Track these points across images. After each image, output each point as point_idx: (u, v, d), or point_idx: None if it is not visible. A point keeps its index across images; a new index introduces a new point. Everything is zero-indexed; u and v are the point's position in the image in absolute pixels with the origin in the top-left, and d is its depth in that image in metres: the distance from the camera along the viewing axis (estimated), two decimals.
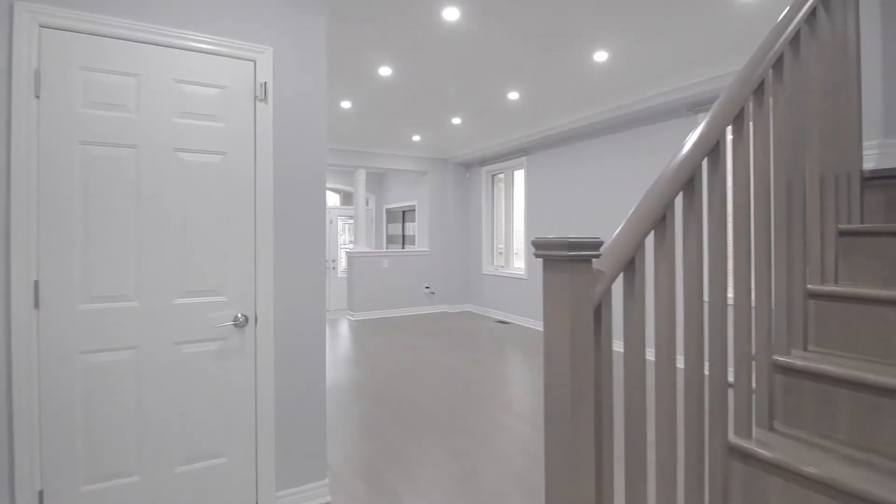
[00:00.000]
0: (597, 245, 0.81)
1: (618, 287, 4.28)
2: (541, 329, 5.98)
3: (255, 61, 1.94)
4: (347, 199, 9.39)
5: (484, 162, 7.08)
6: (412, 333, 5.83)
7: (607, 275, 0.85)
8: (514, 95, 4.43)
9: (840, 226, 1.41)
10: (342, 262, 8.33)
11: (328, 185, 8.57)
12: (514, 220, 6.76)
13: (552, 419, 0.82)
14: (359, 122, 5.50)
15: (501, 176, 6.98)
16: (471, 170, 7.49)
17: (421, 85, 4.13)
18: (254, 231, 1.93)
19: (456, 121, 5.42)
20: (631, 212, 0.97)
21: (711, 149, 1.07)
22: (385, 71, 3.79)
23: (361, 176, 6.93)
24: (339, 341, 5.46)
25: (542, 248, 0.83)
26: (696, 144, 1.05)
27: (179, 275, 1.80)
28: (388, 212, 8.98)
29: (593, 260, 0.84)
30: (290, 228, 2.03)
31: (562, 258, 0.79)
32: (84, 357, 1.66)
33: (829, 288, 1.30)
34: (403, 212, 8.62)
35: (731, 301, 2.94)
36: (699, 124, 3.75)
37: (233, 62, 1.90)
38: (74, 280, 1.64)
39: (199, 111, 1.84)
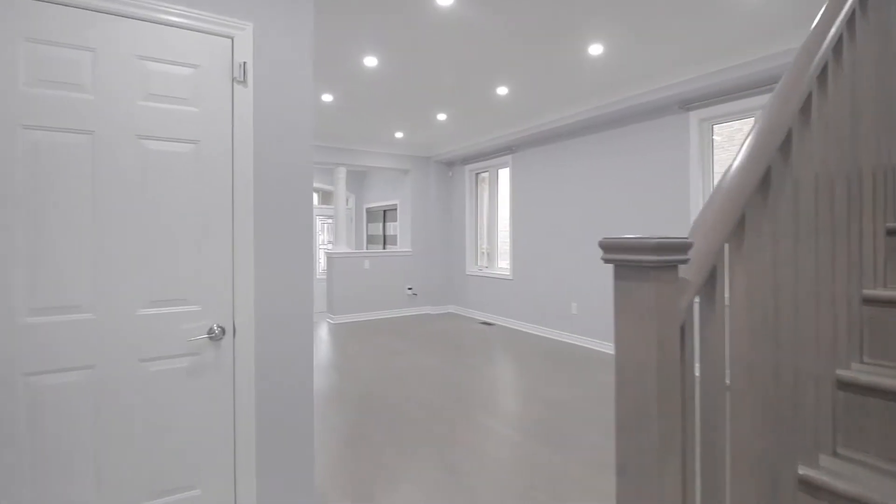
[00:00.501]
0: (686, 247, 0.64)
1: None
2: (526, 330, 5.86)
3: (232, 38, 1.71)
4: (326, 197, 9.09)
5: (467, 160, 6.92)
6: (395, 336, 5.62)
7: (693, 285, 0.68)
8: (503, 90, 4.28)
9: (888, 224, 1.30)
10: (321, 263, 8.03)
11: None
12: (498, 220, 6.63)
13: (630, 471, 0.65)
14: (340, 118, 5.26)
15: (486, 175, 6.84)
16: (454, 168, 7.32)
17: (408, 77, 3.94)
18: (231, 230, 1.71)
19: (441, 117, 5.24)
20: (703, 210, 0.80)
21: (784, 139, 0.92)
22: (370, 61, 3.58)
23: (341, 174, 6.67)
24: (320, 345, 5.20)
25: (615, 251, 0.66)
26: (766, 132, 0.90)
27: (144, 281, 1.57)
28: (369, 211, 8.72)
29: (679, 266, 0.67)
30: (274, 227, 1.81)
31: (645, 264, 0.63)
32: (28, 380, 1.41)
33: (886, 292, 1.17)
34: (384, 211, 8.38)
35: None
36: (690, 122, 3.65)
37: (207, 38, 1.67)
38: (16, 289, 1.39)
39: (167, 93, 1.61)
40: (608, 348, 4.81)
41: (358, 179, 8.87)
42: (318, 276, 7.80)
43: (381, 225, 8.46)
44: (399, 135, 6.18)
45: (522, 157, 5.94)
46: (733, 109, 3.69)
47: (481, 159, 6.60)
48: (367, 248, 8.77)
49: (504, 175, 6.49)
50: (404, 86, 4.17)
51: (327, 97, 4.53)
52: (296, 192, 1.86)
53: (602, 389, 3.65)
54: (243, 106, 1.72)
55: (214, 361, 1.67)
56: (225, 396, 1.69)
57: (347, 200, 8.88)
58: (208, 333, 1.64)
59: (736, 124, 3.83)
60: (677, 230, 4.13)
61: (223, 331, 1.68)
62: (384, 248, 8.37)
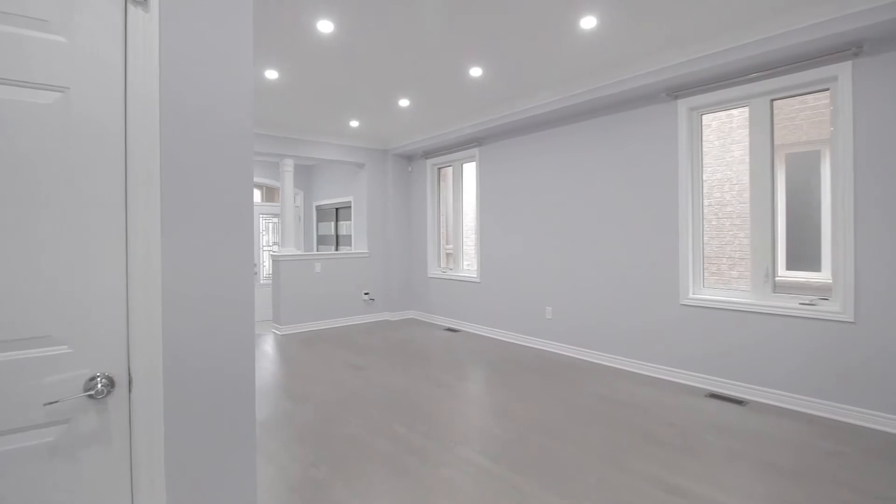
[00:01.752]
0: None
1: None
2: (496, 336, 5.46)
3: None
4: (270, 194, 8.29)
5: (429, 153, 6.42)
6: (352, 348, 5.03)
7: None
8: (476, 72, 3.82)
9: None
10: (265, 267, 7.25)
11: None
12: (463, 219, 6.18)
13: None
14: (288, 100, 4.60)
15: (449, 169, 6.37)
16: (413, 162, 6.80)
17: (371, 49, 3.38)
18: (125, 225, 1.12)
19: (404, 103, 4.71)
20: None
21: None
22: (325, 26, 3.00)
23: (289, 167, 5.96)
24: (264, 362, 4.52)
25: None
26: None
27: None
28: (319, 209, 8.02)
29: None
30: (195, 219, 1.23)
31: None
32: None
33: None
34: (337, 209, 7.72)
35: None
36: (679, 111, 3.33)
37: None
38: None
39: (12, 9, 1.01)
40: (587, 355, 4.49)
41: (306, 174, 8.14)
42: (262, 282, 7.02)
43: (333, 224, 7.78)
44: (355, 123, 5.58)
45: (491, 150, 5.52)
46: (724, 98, 3.44)
47: (445, 152, 6.12)
48: (317, 250, 8.06)
49: (470, 169, 6.05)
50: (365, 61, 3.61)
51: (271, 73, 3.88)
52: (229, 169, 1.29)
53: (584, 402, 3.28)
54: (144, 40, 1.14)
55: (97, 431, 1.08)
56: (115, 484, 1.10)
57: (295, 198, 8.13)
58: (86, 390, 1.05)
59: (723, 115, 3.60)
60: (663, 230, 3.85)
61: (111, 382, 1.09)
62: (337, 250, 7.71)
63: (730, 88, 3.40)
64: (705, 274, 3.76)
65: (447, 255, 6.50)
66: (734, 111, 4.12)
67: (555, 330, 4.81)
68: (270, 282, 6.33)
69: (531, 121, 4.77)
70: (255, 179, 7.54)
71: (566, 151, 4.64)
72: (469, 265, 6.17)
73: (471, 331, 5.85)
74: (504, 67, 3.73)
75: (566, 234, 4.68)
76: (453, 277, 6.12)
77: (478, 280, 5.73)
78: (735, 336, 3.44)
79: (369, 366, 4.34)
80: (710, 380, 3.56)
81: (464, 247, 6.20)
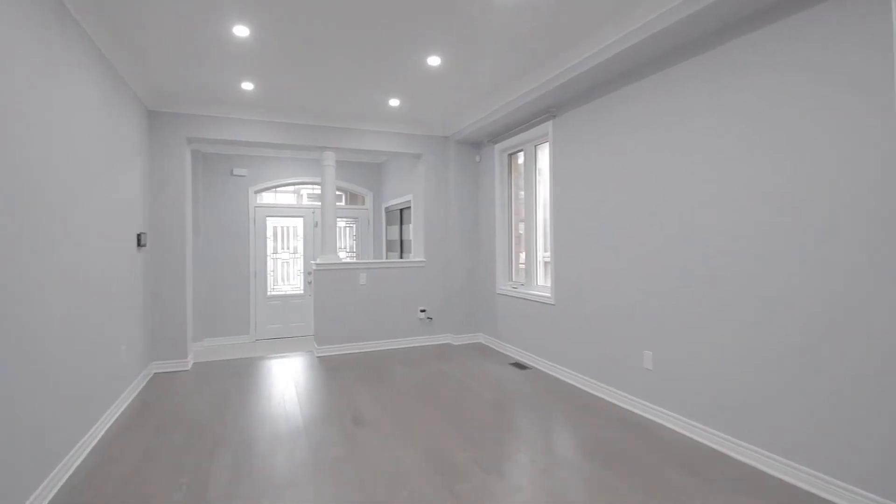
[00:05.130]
0: None
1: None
2: (573, 382, 3.87)
3: None
4: (353, 198, 7.62)
5: (496, 137, 5.06)
6: (377, 384, 3.91)
7: None
8: None
9: None
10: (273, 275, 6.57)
11: (293, 179, 6.87)
12: (536, 221, 4.68)
13: None
14: (306, 74, 3.69)
15: (522, 156, 4.93)
16: (482, 150, 5.49)
17: None
18: None
19: (434, 61, 3.48)
20: None
21: None
22: None
23: (329, 160, 5.14)
24: (282, 404, 3.64)
25: None
26: None
27: None
28: (388, 212, 7.16)
29: None
30: None
31: None
32: None
33: None
34: (401, 210, 6.76)
35: None
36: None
37: None
38: None
39: None
40: (707, 437, 2.71)
41: (375, 172, 7.35)
42: (267, 294, 6.34)
43: (398, 228, 6.84)
44: (395, 102, 4.51)
45: (569, 123, 3.97)
46: None
47: (514, 132, 4.70)
48: (386, 258, 7.21)
49: (544, 154, 4.56)
50: None
51: (241, 30, 2.98)
52: None
53: None
54: None
55: None
56: None
57: (364, 199, 7.39)
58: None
59: None
60: (849, 241, 2.00)
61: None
62: (402, 257, 6.74)
63: None
64: None
65: (521, 266, 5.05)
66: None
67: (657, 386, 3.10)
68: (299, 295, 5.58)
69: (626, 60, 3.14)
70: (308, 179, 6.96)
71: (680, 114, 2.93)
72: (543, 281, 4.65)
73: (543, 368, 4.33)
74: None
75: (672, 244, 2.96)
76: (523, 296, 4.66)
77: (551, 301, 4.19)
78: None
79: (376, 421, 3.16)
80: None
81: (538, 256, 4.70)
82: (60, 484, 2.30)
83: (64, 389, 2.41)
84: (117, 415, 3.27)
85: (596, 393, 3.65)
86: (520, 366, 4.50)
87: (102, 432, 2.94)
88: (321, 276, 5.01)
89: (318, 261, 5.03)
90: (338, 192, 7.64)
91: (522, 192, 4.88)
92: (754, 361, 2.47)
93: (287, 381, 4.08)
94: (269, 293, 6.62)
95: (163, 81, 3.89)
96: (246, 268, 6.42)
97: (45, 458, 2.18)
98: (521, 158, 4.94)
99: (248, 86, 4.00)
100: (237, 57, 3.39)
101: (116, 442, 2.83)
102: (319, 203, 7.16)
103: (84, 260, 2.74)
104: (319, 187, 7.45)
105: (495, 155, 5.13)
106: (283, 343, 6.19)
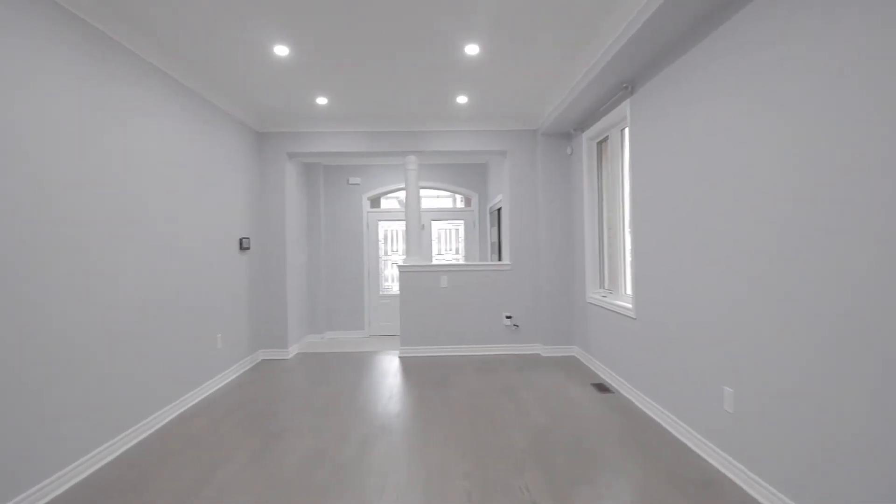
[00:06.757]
0: None
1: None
2: (654, 415, 3.15)
3: None
4: (469, 201, 7.62)
5: (583, 123, 4.46)
6: (451, 395, 3.80)
7: None
8: None
9: None
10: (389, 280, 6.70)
11: (378, 189, 7.08)
12: (625, 218, 3.98)
13: None
14: (372, 81, 3.83)
15: (610, 145, 4.25)
16: (572, 141, 4.91)
17: None
18: None
19: (472, 49, 3.23)
20: None
21: None
22: None
23: (412, 164, 5.21)
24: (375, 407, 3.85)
25: None
26: None
27: None
28: (491, 213, 6.95)
29: None
30: None
31: None
32: None
33: None
34: (498, 211, 6.48)
35: None
36: None
37: None
38: None
39: None
40: None
41: (480, 173, 7.19)
42: (380, 294, 6.50)
43: (497, 230, 6.56)
44: (462, 99, 4.33)
45: (644, 100, 3.27)
46: None
47: (598, 115, 4.08)
48: (490, 260, 7.00)
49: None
50: None
51: (282, 49, 3.19)
52: None
53: None
54: None
55: None
56: None
57: (469, 201, 7.31)
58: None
59: None
60: None
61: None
62: (500, 259, 6.45)
63: None
64: None
65: (610, 272, 4.36)
66: None
67: (738, 434, 2.32)
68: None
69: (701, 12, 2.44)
70: (437, 185, 7.14)
71: (780, 74, 2.14)
72: (629, 289, 3.92)
73: (626, 393, 3.65)
74: None
75: (769, 246, 2.17)
76: (609, 306, 4.00)
77: (633, 315, 3.50)
78: None
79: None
80: None
81: (625, 261, 3.98)
82: (163, 422, 2.79)
83: (169, 358, 3.01)
84: (217, 388, 3.83)
85: (673, 431, 2.91)
86: (602, 388, 3.88)
87: (197, 399, 3.49)
88: (405, 278, 5.12)
89: (402, 262, 5.14)
90: (450, 195, 7.73)
91: (607, 185, 4.20)
92: (880, 430, 1.64)
93: (350, 378, 4.26)
94: (380, 293, 7.05)
95: (259, 107, 4.45)
96: (360, 269, 6.95)
97: (155, 402, 3.15)
98: (610, 148, 4.26)
99: (322, 101, 4.30)
100: (304, 75, 3.66)
101: (197, 408, 3.32)
102: (430, 207, 7.35)
103: (181, 262, 3.34)
104: (433, 191, 7.65)
105: (583, 144, 4.53)
106: (386, 340, 6.52)
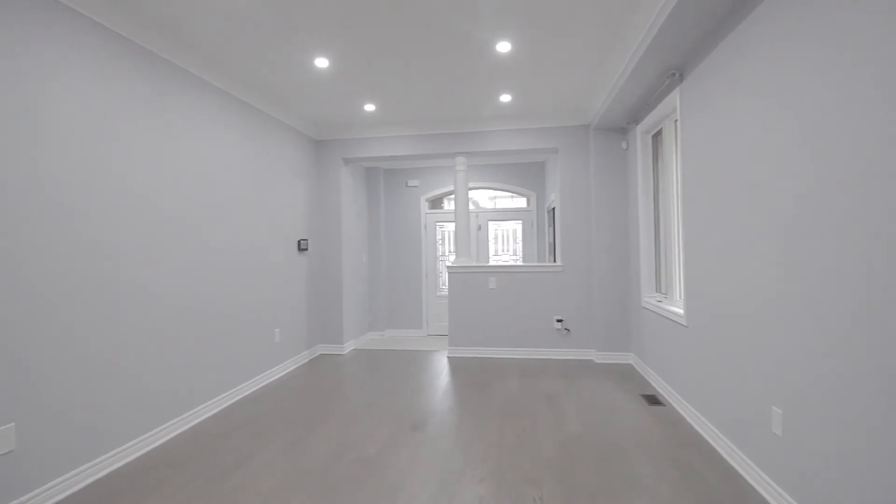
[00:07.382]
0: None
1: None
2: (704, 433, 2.87)
3: None
4: (530, 202, 7.46)
5: (637, 115, 4.18)
6: (484, 401, 3.79)
7: None
8: None
9: None
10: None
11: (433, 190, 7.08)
12: (678, 217, 3.66)
13: None
14: (405, 84, 3.94)
15: (667, 138, 3.93)
16: (628, 135, 4.62)
17: None
18: None
19: (503, 47, 3.18)
20: None
21: None
22: None
23: (461, 165, 5.22)
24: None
25: None
26: None
27: None
28: (549, 213, 6.74)
29: None
30: None
31: None
32: None
33: None
34: (553, 210, 6.25)
35: None
36: None
37: None
38: None
39: None
40: None
41: (537, 172, 7.00)
42: (437, 293, 6.49)
43: (553, 230, 6.34)
44: (506, 98, 4.26)
45: (694, 87, 2.99)
46: None
47: (651, 105, 3.80)
48: (548, 261, 6.79)
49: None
50: None
51: (322, 61, 3.37)
52: None
53: None
54: None
55: None
56: None
57: (528, 201, 7.15)
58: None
59: None
60: None
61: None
62: (555, 261, 6.23)
63: None
64: None
65: (666, 275, 4.03)
66: None
67: (787, 460, 2.05)
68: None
69: None
70: (492, 184, 7.10)
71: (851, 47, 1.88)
72: (679, 294, 3.60)
73: (678, 407, 3.37)
74: None
75: (831, 248, 1.91)
76: (663, 312, 3.72)
77: (684, 322, 3.23)
78: None
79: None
80: None
81: (679, 263, 3.67)
82: (230, 402, 3.12)
83: (234, 347, 3.33)
84: (272, 379, 4.15)
85: (720, 450, 2.64)
86: (653, 399, 3.61)
87: (257, 387, 3.81)
88: (453, 279, 5.15)
89: (450, 263, 5.18)
90: (511, 195, 7.62)
91: (661, 181, 3.89)
92: None
93: (396, 376, 4.37)
94: (437, 293, 7.15)
95: (314, 117, 4.73)
96: (419, 269, 7.10)
97: (225, 383, 3.61)
98: (667, 141, 3.95)
99: (370, 107, 4.47)
100: (350, 84, 3.84)
101: (257, 392, 3.62)
102: (483, 207, 7.31)
103: (244, 263, 3.71)
104: (492, 191, 7.60)
105: (637, 138, 4.25)
106: (441, 340, 6.58)
